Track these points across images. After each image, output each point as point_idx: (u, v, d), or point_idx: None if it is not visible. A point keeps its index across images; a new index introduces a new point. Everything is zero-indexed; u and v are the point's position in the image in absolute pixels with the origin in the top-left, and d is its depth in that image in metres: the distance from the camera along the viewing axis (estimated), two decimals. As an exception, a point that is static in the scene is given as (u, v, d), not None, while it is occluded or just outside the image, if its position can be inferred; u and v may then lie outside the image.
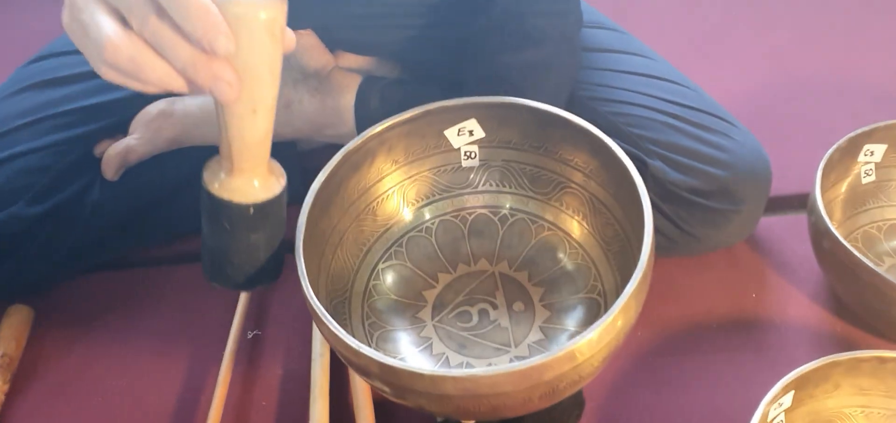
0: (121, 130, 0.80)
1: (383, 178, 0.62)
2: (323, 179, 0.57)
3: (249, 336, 0.77)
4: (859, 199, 0.79)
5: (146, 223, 0.83)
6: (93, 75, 0.80)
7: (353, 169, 0.60)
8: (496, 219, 0.64)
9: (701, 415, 0.68)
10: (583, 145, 0.59)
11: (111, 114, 0.79)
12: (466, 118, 0.60)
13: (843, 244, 0.67)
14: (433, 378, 0.46)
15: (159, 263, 0.85)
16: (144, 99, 0.80)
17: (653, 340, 0.74)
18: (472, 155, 0.63)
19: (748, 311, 0.76)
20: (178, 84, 0.46)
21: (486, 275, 0.62)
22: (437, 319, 0.61)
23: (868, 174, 0.79)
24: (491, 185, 0.64)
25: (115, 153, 0.78)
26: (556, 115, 0.58)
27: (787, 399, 0.60)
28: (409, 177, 0.63)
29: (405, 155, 0.62)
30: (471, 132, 0.62)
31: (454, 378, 0.46)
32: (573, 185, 0.61)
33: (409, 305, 0.61)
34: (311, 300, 0.51)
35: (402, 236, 0.63)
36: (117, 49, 0.44)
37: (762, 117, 0.84)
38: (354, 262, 0.61)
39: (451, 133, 0.61)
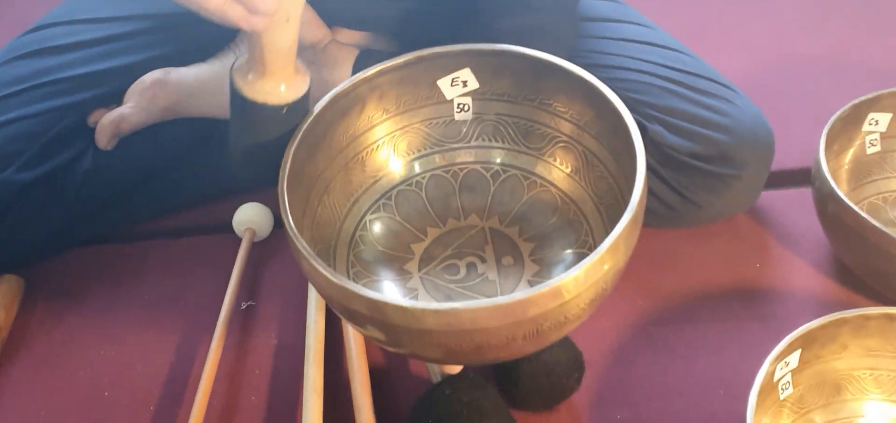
0: (115, 100, 0.79)
1: (373, 126, 0.61)
2: (310, 120, 0.55)
3: (243, 307, 0.75)
4: (864, 170, 0.77)
5: (139, 195, 0.82)
6: (88, 44, 0.80)
7: (342, 114, 0.58)
8: (488, 175, 0.62)
9: (703, 382, 0.66)
10: (577, 95, 0.57)
11: (106, 83, 0.79)
12: (461, 67, 0.59)
13: (848, 206, 0.66)
14: (415, 312, 0.45)
15: (153, 236, 0.84)
16: (140, 69, 0.79)
17: (653, 309, 0.72)
18: (465, 108, 0.61)
19: (751, 281, 0.74)
20: (234, 12, 0.50)
21: (476, 230, 0.61)
22: (424, 271, 0.59)
23: (873, 145, 0.78)
24: (483, 139, 0.62)
25: (109, 121, 0.77)
26: (552, 63, 0.57)
27: (794, 359, 0.58)
28: (401, 128, 0.61)
29: (397, 104, 0.61)
30: (465, 83, 0.60)
31: (436, 312, 0.45)
32: (566, 138, 0.59)
33: (396, 256, 0.60)
34: (293, 238, 0.50)
35: (391, 190, 0.62)
36: None
37: (763, 94, 0.82)
38: (341, 211, 0.59)
39: (444, 83, 0.60)
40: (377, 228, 0.61)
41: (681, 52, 0.78)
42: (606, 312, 0.72)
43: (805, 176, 0.82)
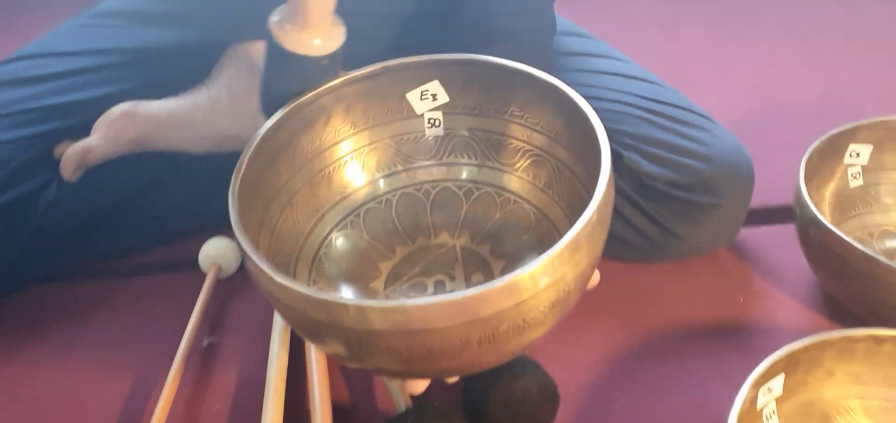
0: (84, 132, 0.78)
1: (340, 141, 0.59)
2: (269, 126, 0.54)
3: (205, 344, 0.72)
4: (847, 203, 0.76)
5: (103, 230, 0.79)
6: (59, 77, 0.79)
7: (305, 125, 0.57)
8: (461, 192, 0.60)
9: (685, 416, 0.62)
10: (547, 104, 0.56)
11: (74, 114, 0.77)
12: (429, 78, 0.58)
13: (831, 231, 0.64)
14: (359, 309, 0.42)
15: (115, 274, 0.81)
16: (110, 102, 0.78)
17: (633, 343, 0.69)
18: (436, 123, 0.60)
19: (734, 316, 0.71)
20: None
21: (447, 248, 0.59)
22: (389, 289, 0.56)
23: (855, 178, 0.76)
24: (455, 156, 0.61)
25: (74, 152, 0.75)
26: (519, 70, 0.56)
27: (777, 385, 0.55)
28: (370, 143, 0.60)
29: (365, 118, 0.59)
30: (434, 96, 0.59)
31: (382, 309, 0.42)
32: (539, 151, 0.58)
33: (362, 274, 0.57)
34: (239, 237, 0.47)
35: (359, 207, 0.59)
36: None
37: (742, 132, 0.81)
38: (305, 227, 0.57)
39: (413, 97, 0.59)
40: (343, 244, 0.58)
41: (657, 84, 0.77)
42: (583, 344, 0.69)
43: (787, 213, 0.80)
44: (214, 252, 0.77)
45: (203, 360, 0.71)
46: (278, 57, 0.56)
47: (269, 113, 0.58)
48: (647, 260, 0.75)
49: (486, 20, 0.71)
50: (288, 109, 0.56)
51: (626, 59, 0.82)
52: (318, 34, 0.55)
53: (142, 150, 0.78)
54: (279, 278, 0.44)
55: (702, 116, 0.75)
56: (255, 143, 0.53)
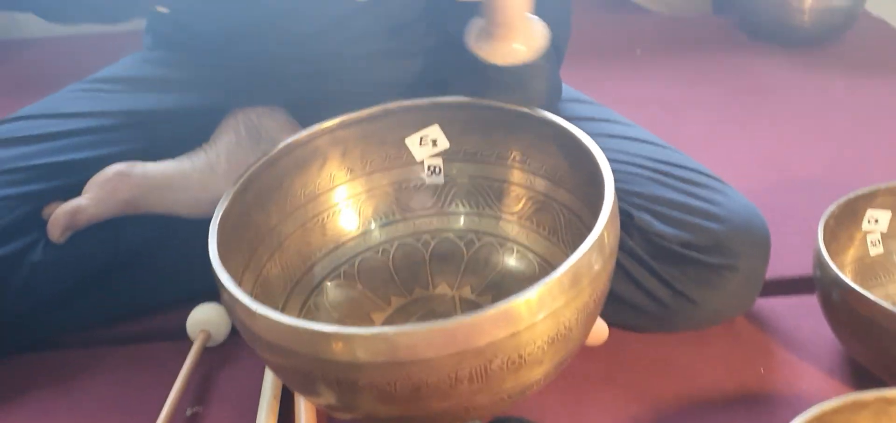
0: (75, 193, 0.75)
1: (336, 187, 0.56)
2: (259, 164, 0.51)
3: (188, 414, 0.67)
4: (869, 272, 0.72)
5: (89, 296, 0.76)
6: (53, 137, 0.77)
7: (299, 166, 0.54)
8: (462, 243, 0.58)
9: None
10: (549, 144, 0.54)
11: (66, 175, 0.75)
12: (429, 122, 0.56)
13: (855, 291, 0.60)
14: (340, 338, 0.38)
15: (99, 343, 0.77)
16: (104, 163, 0.76)
17: (648, 416, 0.64)
18: (436, 170, 0.57)
19: (755, 387, 0.66)
20: None
21: (445, 299, 0.55)
22: None
23: (875, 245, 0.73)
24: (456, 205, 0.58)
25: (63, 212, 0.73)
26: (521, 112, 0.54)
27: (806, 448, 0.51)
28: (367, 190, 0.57)
29: (362, 164, 0.57)
30: (434, 142, 0.57)
31: (365, 337, 0.38)
32: (542, 197, 0.55)
33: (354, 325, 0.53)
34: (216, 267, 0.44)
35: (354, 256, 0.56)
36: None
37: (759, 203, 0.79)
38: (295, 273, 0.54)
39: (412, 142, 0.57)
40: (335, 294, 0.55)
41: (666, 147, 0.75)
42: (594, 416, 0.64)
43: (806, 284, 0.77)
44: (203, 318, 0.73)
45: (185, 431, 0.66)
46: (495, 76, 0.55)
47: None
48: (661, 330, 0.71)
49: (488, 87, 0.70)
50: (280, 148, 0.53)
51: (634, 124, 0.80)
52: (515, 40, 0.54)
53: (134, 212, 0.75)
54: (255, 307, 0.40)
55: (713, 178, 0.72)
56: (243, 179, 0.50)
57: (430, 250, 0.58)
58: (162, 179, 0.76)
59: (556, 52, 0.76)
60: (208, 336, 0.73)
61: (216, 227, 0.46)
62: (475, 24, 0.55)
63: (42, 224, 0.74)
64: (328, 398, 0.43)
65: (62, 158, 0.76)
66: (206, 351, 0.73)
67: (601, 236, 0.43)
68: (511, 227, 0.57)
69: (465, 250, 0.57)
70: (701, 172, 0.72)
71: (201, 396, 0.69)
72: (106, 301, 0.77)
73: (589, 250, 0.42)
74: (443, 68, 0.78)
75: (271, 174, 0.53)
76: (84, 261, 0.74)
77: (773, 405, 0.65)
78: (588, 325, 0.45)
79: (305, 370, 0.41)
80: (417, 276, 0.57)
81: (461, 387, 0.40)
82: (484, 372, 0.40)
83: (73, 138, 0.77)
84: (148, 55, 0.87)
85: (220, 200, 0.48)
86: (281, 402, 0.65)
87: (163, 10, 0.82)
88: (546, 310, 0.40)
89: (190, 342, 0.73)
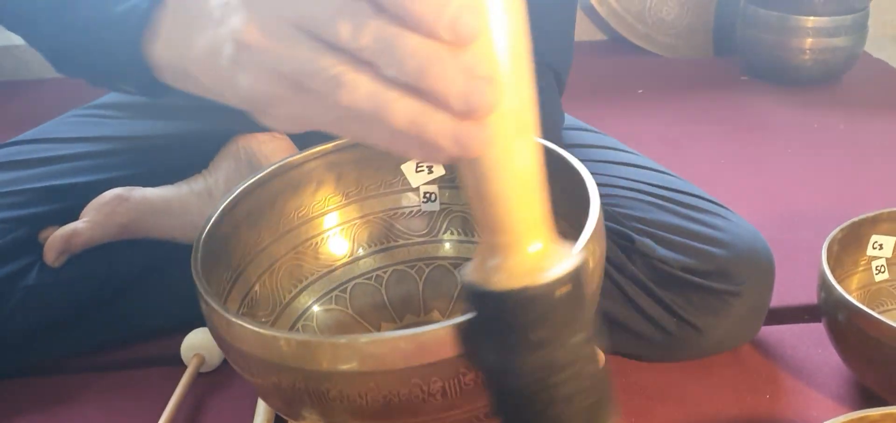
0: (72, 217, 0.75)
1: (330, 211, 0.56)
2: (251, 183, 0.51)
3: (179, 441, 0.66)
4: (875, 298, 0.71)
5: (84, 322, 0.75)
6: (52, 162, 0.77)
7: (292, 188, 0.54)
8: (456, 271, 0.57)
9: None
10: (548, 175, 0.53)
11: (63, 199, 0.75)
12: None
13: (862, 311, 0.59)
14: (304, 345, 0.38)
15: (91, 369, 0.75)
16: (102, 188, 0.76)
17: (651, 442, 0.63)
18: (432, 197, 0.57)
19: (762, 414, 0.65)
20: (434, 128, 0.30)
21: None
22: None
23: (880, 271, 0.72)
24: (451, 233, 0.57)
25: (60, 235, 0.72)
26: None
27: (815, 469, 0.49)
28: (362, 215, 0.57)
29: (357, 189, 0.56)
30: (430, 168, 0.56)
31: (333, 345, 0.37)
32: None
33: None
34: (196, 278, 0.43)
35: (346, 282, 0.56)
36: (355, 86, 0.30)
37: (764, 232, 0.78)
38: (285, 295, 0.53)
39: (408, 168, 0.56)
40: (323, 318, 0.55)
41: (668, 174, 0.75)
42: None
43: (811, 313, 0.76)
44: (198, 343, 0.72)
45: (175, 458, 0.64)
46: (500, 318, 0.34)
47: None
48: (666, 360, 0.70)
49: None
50: (273, 168, 0.53)
51: (636, 152, 0.80)
52: (530, 241, 0.34)
53: (131, 236, 0.75)
54: (228, 316, 0.40)
55: (716, 203, 0.71)
56: (233, 196, 0.50)
57: (423, 277, 0.57)
58: (160, 203, 0.75)
59: (557, 80, 0.77)
60: (202, 361, 0.71)
61: (200, 243, 0.46)
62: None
63: (38, 248, 0.73)
64: (310, 416, 0.42)
65: (60, 182, 0.75)
66: (200, 376, 0.71)
67: (584, 249, 0.42)
68: None
69: (458, 278, 0.56)
70: (704, 198, 0.71)
71: (194, 419, 0.68)
72: (100, 326, 0.76)
73: (579, 251, 0.41)
74: None
75: (263, 194, 0.52)
76: (79, 285, 0.73)
77: (781, 431, 0.63)
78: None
79: (279, 382, 0.40)
80: (410, 303, 0.56)
81: (433, 402, 0.38)
82: (457, 388, 0.38)
83: (71, 163, 0.77)
84: (149, 84, 0.88)
85: (208, 216, 0.48)
86: (274, 427, 0.64)
87: None
88: None
89: (183, 370, 0.72)
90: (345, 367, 0.37)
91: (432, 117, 0.30)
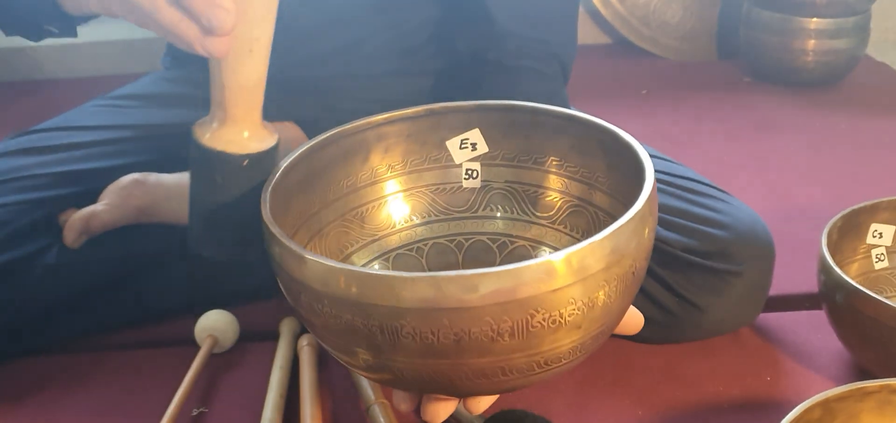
0: (91, 200, 0.77)
1: (377, 182, 0.58)
2: (306, 147, 0.53)
3: (194, 414, 0.68)
4: (874, 286, 0.72)
5: (100, 302, 0.77)
6: (72, 147, 0.79)
7: (343, 156, 0.56)
8: (494, 246, 0.59)
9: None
10: (589, 146, 0.55)
11: (82, 182, 0.77)
12: (470, 126, 0.58)
13: (860, 291, 0.60)
14: (386, 280, 0.40)
15: (105, 349, 0.77)
16: (120, 173, 0.78)
17: (654, 419, 0.64)
18: (474, 174, 0.59)
19: (763, 393, 0.66)
20: (188, 31, 0.47)
21: None
22: None
23: (880, 259, 0.73)
24: (491, 209, 0.60)
25: (79, 217, 0.74)
26: (563, 115, 0.55)
27: (813, 436, 0.50)
28: (407, 189, 0.59)
29: (403, 162, 0.59)
30: (474, 145, 0.58)
31: (412, 280, 0.40)
32: (577, 201, 0.57)
33: None
34: (267, 220, 0.47)
35: (389, 252, 0.58)
36: None
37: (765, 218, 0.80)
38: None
39: (453, 145, 0.58)
40: None
41: (669, 161, 0.77)
42: (601, 420, 0.64)
43: (811, 301, 0.77)
44: (211, 324, 0.74)
45: (189, 431, 0.66)
46: (199, 159, 0.52)
47: (193, 235, 0.56)
48: (668, 341, 0.71)
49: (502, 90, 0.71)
50: (328, 135, 0.55)
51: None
52: (244, 128, 0.51)
53: (148, 220, 0.77)
54: (305, 253, 0.43)
55: (717, 188, 0.73)
56: (289, 160, 0.52)
57: (463, 251, 0.59)
58: (175, 189, 0.77)
59: (562, 70, 0.78)
60: (215, 341, 0.73)
61: (268, 192, 0.49)
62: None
63: (58, 230, 0.75)
64: (366, 354, 0.44)
65: (79, 166, 0.78)
66: (213, 356, 0.73)
67: (642, 211, 0.44)
68: (544, 231, 0.58)
69: (497, 252, 0.58)
70: (705, 183, 0.73)
71: (207, 398, 0.70)
72: (116, 306, 0.78)
73: (629, 221, 0.43)
74: (449, 86, 0.80)
75: (317, 161, 0.54)
76: (97, 266, 0.75)
77: (781, 411, 0.64)
78: (625, 298, 0.46)
79: (349, 320, 0.42)
80: None
81: (501, 342, 0.41)
82: (524, 327, 0.41)
83: (90, 149, 0.79)
84: (166, 74, 0.90)
85: (268, 178, 0.50)
86: (286, 402, 0.66)
87: None
88: (585, 270, 0.41)
89: (196, 351, 0.74)
90: (421, 304, 0.40)
91: (188, 26, 0.47)
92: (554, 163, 0.57)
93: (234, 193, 0.51)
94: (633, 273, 0.45)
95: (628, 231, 0.43)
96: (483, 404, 0.49)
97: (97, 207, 0.75)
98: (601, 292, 0.43)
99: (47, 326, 0.75)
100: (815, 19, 1.32)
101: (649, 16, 1.53)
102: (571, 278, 0.41)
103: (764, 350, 0.71)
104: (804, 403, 0.50)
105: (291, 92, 0.83)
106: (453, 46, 0.79)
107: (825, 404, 0.50)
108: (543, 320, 0.41)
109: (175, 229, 0.77)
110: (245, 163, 0.51)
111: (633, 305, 0.68)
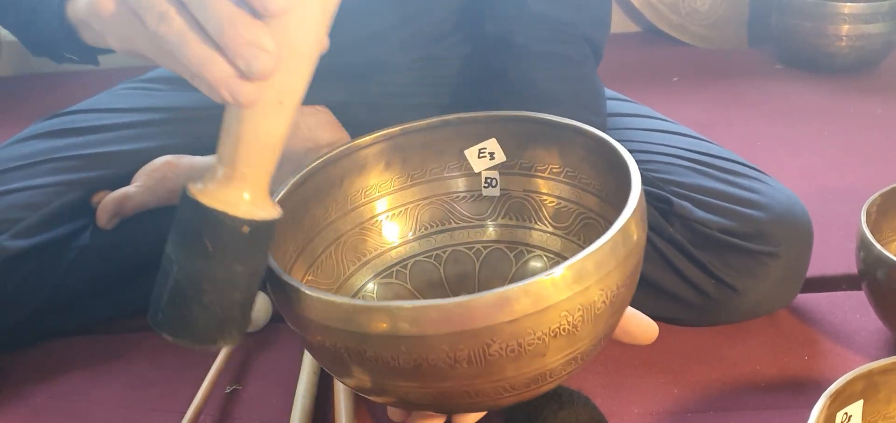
0: (123, 183, 0.78)
1: (395, 191, 0.60)
2: (320, 159, 0.54)
3: (228, 390, 0.68)
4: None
5: (133, 284, 0.77)
6: (104, 129, 0.80)
7: (360, 168, 0.57)
8: (512, 255, 0.59)
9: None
10: (601, 162, 0.55)
11: (114, 164, 0.77)
12: (487, 135, 0.58)
13: (900, 267, 0.59)
14: (346, 308, 0.42)
15: (132, 329, 0.78)
16: (152, 155, 0.78)
17: (691, 398, 0.63)
18: (493, 183, 0.59)
19: (800, 372, 0.65)
20: (217, 70, 0.39)
21: None
22: None
23: (924, 238, 0.72)
24: (509, 218, 0.60)
25: (112, 199, 0.75)
26: (576, 128, 0.55)
27: (856, 412, 0.49)
28: (425, 197, 0.60)
29: (422, 171, 0.60)
30: (492, 155, 0.59)
31: (368, 309, 0.41)
32: (592, 215, 0.57)
33: None
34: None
35: (407, 259, 0.59)
36: (171, 21, 0.39)
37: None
38: (347, 268, 0.57)
39: (471, 154, 0.59)
40: (383, 291, 0.58)
41: (705, 140, 0.76)
42: (636, 399, 0.63)
43: (850, 282, 0.76)
44: (244, 303, 0.74)
45: (224, 407, 0.66)
46: (188, 219, 0.43)
47: (157, 317, 0.46)
48: (704, 324, 0.70)
49: (526, 88, 0.71)
50: (341, 149, 0.55)
51: (673, 121, 0.80)
52: (247, 189, 0.42)
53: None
54: (283, 276, 0.44)
55: (754, 169, 0.72)
56: (303, 171, 0.53)
57: (481, 258, 0.59)
58: (208, 169, 0.78)
59: (594, 52, 0.78)
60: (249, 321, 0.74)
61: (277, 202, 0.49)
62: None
63: (91, 211, 0.76)
64: (358, 376, 0.45)
65: (111, 148, 0.78)
66: (247, 335, 0.73)
67: (613, 240, 0.43)
68: (559, 241, 0.58)
69: (514, 261, 0.59)
70: (742, 163, 0.72)
71: (240, 375, 0.70)
72: (146, 290, 0.78)
73: (596, 250, 0.42)
74: (477, 72, 0.80)
75: (332, 171, 0.55)
76: (129, 248, 0.76)
77: (819, 389, 0.62)
78: (596, 326, 0.44)
79: (320, 341, 0.44)
80: (466, 282, 0.59)
81: (460, 369, 0.41)
82: (482, 356, 0.41)
83: (121, 131, 0.80)
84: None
85: (278, 189, 0.51)
86: (320, 380, 0.66)
87: None
88: (544, 302, 0.40)
89: (228, 332, 0.74)
90: (379, 331, 0.41)
91: (216, 65, 0.39)
92: (569, 174, 0.58)
93: (223, 267, 0.42)
94: (604, 302, 0.43)
95: (593, 262, 0.42)
96: (468, 420, 0.50)
97: (130, 188, 0.76)
98: (564, 322, 0.42)
99: (82, 307, 0.76)
100: (849, 4, 1.29)
101: (679, 3, 1.52)
102: (527, 308, 0.40)
103: (801, 330, 0.70)
104: (847, 374, 0.49)
105: (320, 77, 0.83)
106: (481, 31, 0.79)
107: (868, 376, 0.49)
108: (502, 350, 0.41)
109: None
110: (245, 230, 0.42)
111: (670, 290, 0.68)
